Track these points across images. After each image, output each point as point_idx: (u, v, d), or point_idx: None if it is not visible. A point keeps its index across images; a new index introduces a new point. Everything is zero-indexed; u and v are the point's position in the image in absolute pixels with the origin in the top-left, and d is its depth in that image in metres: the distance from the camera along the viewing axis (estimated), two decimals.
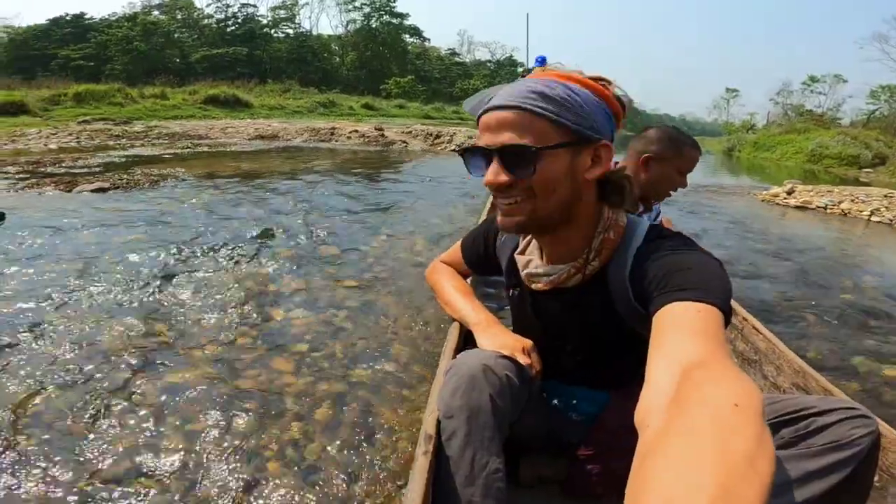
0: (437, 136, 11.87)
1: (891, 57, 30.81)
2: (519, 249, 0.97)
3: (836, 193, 8.24)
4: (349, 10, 43.30)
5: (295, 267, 2.85)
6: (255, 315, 2.16)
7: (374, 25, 42.58)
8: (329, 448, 1.35)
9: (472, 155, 0.81)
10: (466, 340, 1.12)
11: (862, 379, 2.06)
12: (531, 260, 0.93)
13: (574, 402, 1.01)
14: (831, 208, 7.75)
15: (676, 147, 1.49)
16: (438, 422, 0.84)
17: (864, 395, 1.85)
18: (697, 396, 0.46)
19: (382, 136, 11.97)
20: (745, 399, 0.43)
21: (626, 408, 0.72)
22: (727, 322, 0.65)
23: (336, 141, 11.66)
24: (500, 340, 0.96)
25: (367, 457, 1.32)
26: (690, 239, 0.81)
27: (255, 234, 3.46)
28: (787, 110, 37.71)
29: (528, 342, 0.97)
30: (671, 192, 1.53)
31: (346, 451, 1.34)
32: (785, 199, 8.19)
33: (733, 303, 1.59)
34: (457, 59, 50.05)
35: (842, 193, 8.25)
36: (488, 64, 50.83)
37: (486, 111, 0.79)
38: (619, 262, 0.83)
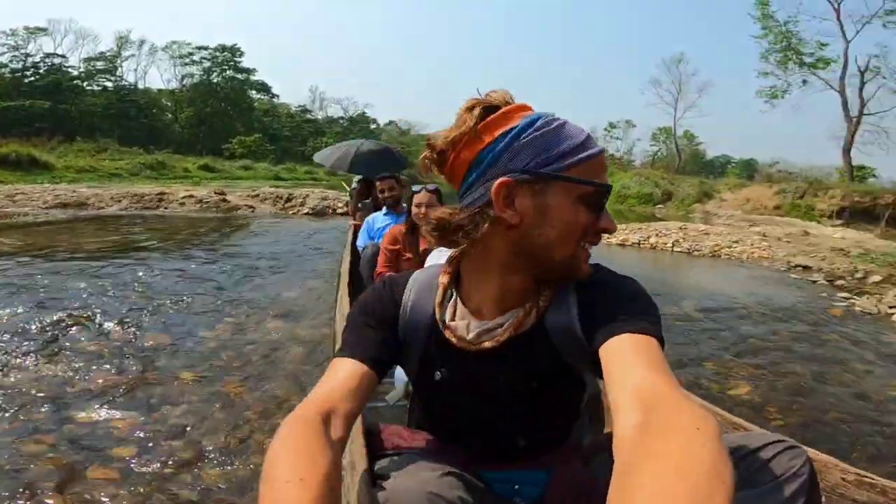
0: (289, 199, 11.33)
1: (664, 100, 38.69)
2: (448, 315, 0.81)
3: (643, 230, 9.78)
4: (185, 64, 40.45)
5: (112, 360, 2.44)
6: (58, 422, 1.83)
7: (215, 80, 40.32)
8: None
9: (602, 196, 0.73)
10: None
11: (713, 392, 2.35)
12: (468, 321, 0.80)
13: (516, 486, 0.89)
14: (643, 243, 9.16)
15: None
16: None
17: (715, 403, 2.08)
18: (664, 425, 0.52)
19: (224, 200, 11.02)
20: (703, 423, 0.50)
21: (568, 482, 0.82)
22: (662, 346, 0.68)
23: (166, 208, 10.39)
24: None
25: None
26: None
27: (50, 323, 2.89)
28: None
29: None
30: None
31: None
32: (607, 238, 9.44)
33: None
34: (308, 115, 49.56)
35: (648, 230, 9.83)
36: (341, 121, 51.13)
37: (601, 151, 0.74)
38: (558, 299, 0.78)
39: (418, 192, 2.60)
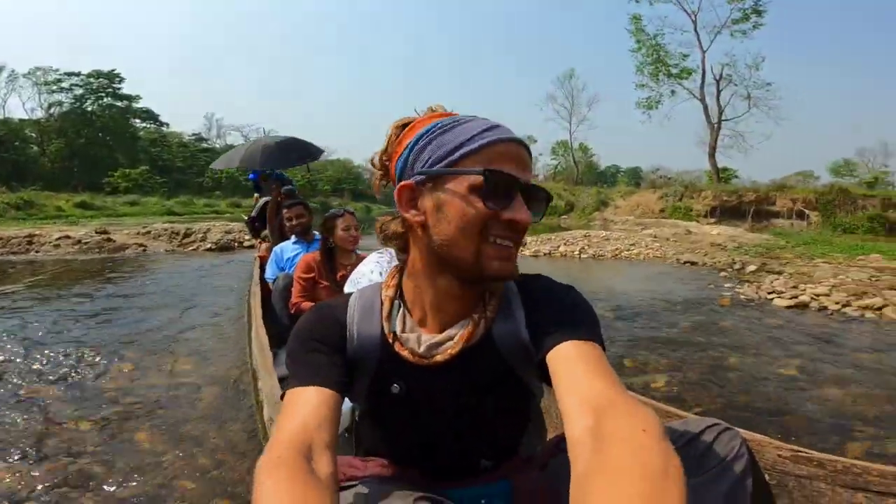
0: (187, 235, 10.39)
1: (559, 115, 41.79)
2: (398, 328, 0.79)
3: (553, 241, 10.34)
4: (52, 91, 35.81)
5: None
6: None
7: (89, 109, 36.12)
8: None
9: (498, 184, 0.67)
10: None
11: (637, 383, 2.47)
12: (417, 334, 0.78)
13: (483, 501, 0.87)
14: (554, 252, 9.65)
15: None
16: None
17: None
18: (614, 429, 0.55)
19: (108, 240, 9.83)
20: (649, 424, 0.54)
21: (532, 491, 0.84)
22: (604, 350, 0.71)
23: (38, 251, 9.05)
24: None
25: None
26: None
27: None
28: None
29: None
30: None
31: None
32: (521, 250, 9.91)
33: None
34: (204, 144, 46.24)
35: (557, 240, 10.42)
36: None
37: (506, 140, 0.69)
38: (504, 309, 0.79)
39: (340, 215, 2.56)
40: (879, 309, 4.65)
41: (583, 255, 9.31)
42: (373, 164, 0.81)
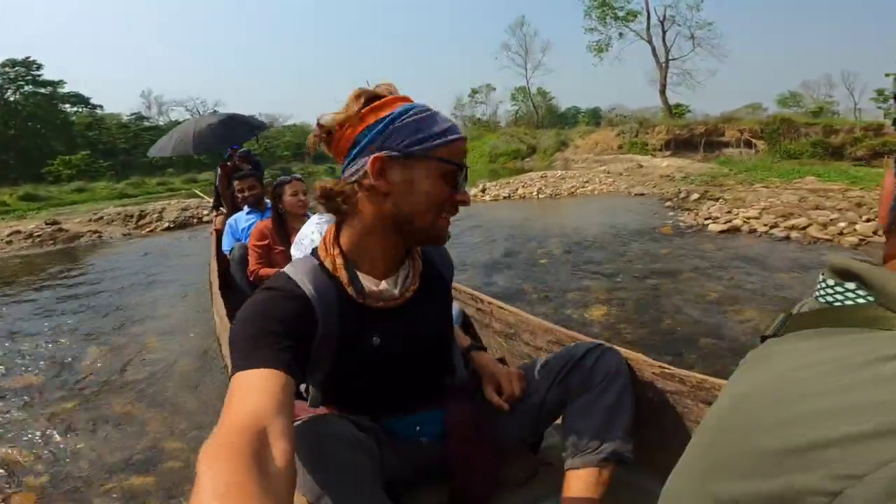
0: (142, 216, 10.13)
1: (515, 63, 41.37)
2: (349, 276, 0.86)
3: (511, 184, 10.53)
4: None
5: None
6: None
7: (11, 99, 33.53)
8: None
9: (458, 175, 0.84)
10: None
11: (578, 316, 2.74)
12: (375, 283, 0.88)
13: (418, 428, 1.01)
14: (513, 195, 9.88)
15: None
16: None
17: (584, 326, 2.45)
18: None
19: (60, 230, 9.52)
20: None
21: (462, 413, 1.00)
22: None
23: None
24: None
25: None
26: None
27: None
28: (465, 121, 46.52)
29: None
30: None
31: None
32: (482, 196, 10.03)
33: (477, 292, 1.87)
34: (147, 122, 43.66)
35: (515, 183, 10.60)
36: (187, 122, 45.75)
37: (463, 138, 0.85)
38: (429, 255, 0.99)
39: (287, 182, 2.63)
40: (804, 228, 4.91)
41: (540, 196, 9.57)
42: (319, 124, 0.84)
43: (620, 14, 28.58)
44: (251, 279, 2.68)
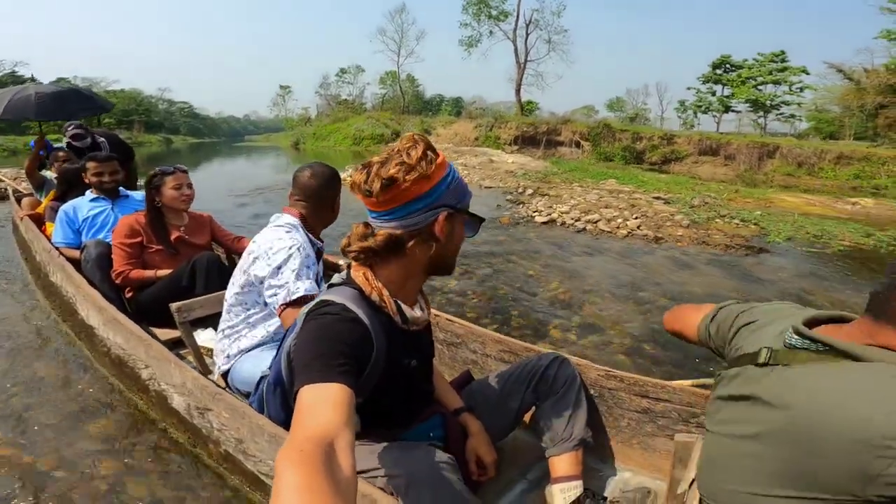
0: None
1: (389, 48, 41.77)
2: (396, 307, 0.98)
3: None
4: None
5: None
6: None
7: None
8: None
9: (480, 223, 1.01)
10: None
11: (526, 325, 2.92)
12: (411, 311, 1.02)
13: (431, 434, 1.15)
14: None
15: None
16: None
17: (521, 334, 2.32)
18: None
19: None
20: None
21: (454, 415, 1.20)
22: None
23: None
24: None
25: None
26: None
27: None
28: (330, 101, 45.02)
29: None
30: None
31: None
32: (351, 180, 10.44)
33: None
34: None
35: None
36: None
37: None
38: None
39: (169, 172, 2.31)
40: (596, 222, 6.16)
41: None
42: (381, 175, 0.88)
43: (494, 13, 31.09)
44: (119, 281, 2.30)
